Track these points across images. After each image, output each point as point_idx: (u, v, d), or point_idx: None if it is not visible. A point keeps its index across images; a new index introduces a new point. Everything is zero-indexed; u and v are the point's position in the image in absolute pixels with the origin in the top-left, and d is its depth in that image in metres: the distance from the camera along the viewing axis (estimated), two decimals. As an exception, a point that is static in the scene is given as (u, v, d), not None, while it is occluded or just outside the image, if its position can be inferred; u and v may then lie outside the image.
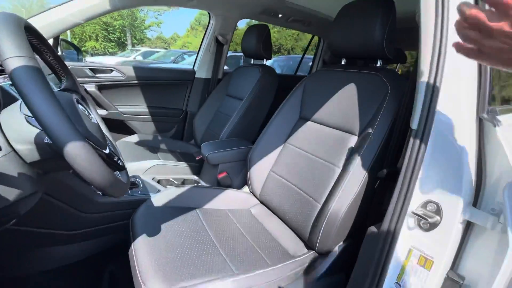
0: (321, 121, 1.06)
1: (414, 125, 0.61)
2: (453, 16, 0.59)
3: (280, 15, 1.88)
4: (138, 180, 1.16)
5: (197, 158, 1.42)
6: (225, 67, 2.08)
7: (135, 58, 9.07)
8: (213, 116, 1.82)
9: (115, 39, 17.40)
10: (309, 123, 1.11)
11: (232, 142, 1.38)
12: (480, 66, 0.58)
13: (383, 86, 0.89)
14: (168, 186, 1.26)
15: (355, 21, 0.93)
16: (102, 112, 1.70)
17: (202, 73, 1.97)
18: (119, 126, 1.81)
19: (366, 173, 0.80)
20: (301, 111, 1.17)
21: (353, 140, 0.93)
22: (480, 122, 0.58)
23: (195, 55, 2.03)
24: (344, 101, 0.99)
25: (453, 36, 0.59)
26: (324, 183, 0.94)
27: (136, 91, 1.82)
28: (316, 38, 2.53)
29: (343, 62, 1.10)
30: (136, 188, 1.10)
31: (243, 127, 1.53)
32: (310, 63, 2.80)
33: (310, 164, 1.02)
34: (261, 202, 1.18)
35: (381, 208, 0.76)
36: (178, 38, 28.88)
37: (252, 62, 1.77)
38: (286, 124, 1.19)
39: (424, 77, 0.60)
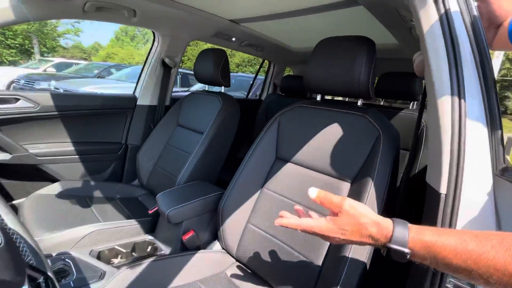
0: (303, 164, 0.95)
1: (442, 189, 0.54)
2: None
3: (233, 39, 1.76)
4: (67, 261, 0.82)
5: (150, 212, 1.13)
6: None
7: (45, 70, 7.62)
8: (163, 150, 1.54)
9: (16, 45, 14.41)
10: (289, 165, 0.99)
11: (196, 188, 1.15)
12: (488, 117, 0.56)
13: (372, 129, 0.84)
14: (114, 261, 0.94)
15: (338, 58, 0.87)
16: (3, 156, 1.23)
17: (146, 99, 1.67)
18: (31, 174, 1.35)
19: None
20: (277, 150, 1.04)
21: (345, 188, 0.84)
22: (495, 179, 0.55)
23: (126, 69, 1.72)
24: (328, 143, 0.91)
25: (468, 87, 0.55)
26: (319, 239, 0.82)
27: (55, 125, 1.40)
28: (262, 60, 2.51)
29: (318, 98, 1.04)
30: (67, 278, 0.76)
31: (205, 167, 1.31)
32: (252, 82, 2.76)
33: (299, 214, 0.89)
34: (238, 261, 0.99)
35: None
36: (100, 48, 26.00)
37: (207, 89, 1.59)
38: (261, 166, 1.04)
39: (447, 136, 0.55)
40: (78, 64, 8.70)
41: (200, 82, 1.54)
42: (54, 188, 1.27)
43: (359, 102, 0.94)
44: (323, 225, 0.49)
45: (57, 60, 9.31)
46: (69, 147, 1.43)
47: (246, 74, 9.42)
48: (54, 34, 15.21)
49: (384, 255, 0.45)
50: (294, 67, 2.68)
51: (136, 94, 1.67)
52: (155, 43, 1.58)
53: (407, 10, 0.95)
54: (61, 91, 4.16)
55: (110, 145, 1.59)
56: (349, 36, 0.88)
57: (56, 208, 1.12)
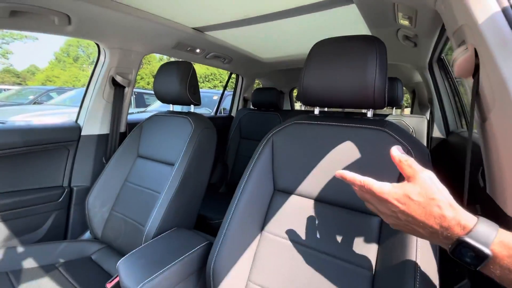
0: (312, 195, 0.75)
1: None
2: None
3: (198, 50, 1.54)
4: None
5: (108, 286, 0.81)
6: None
7: (-36, 100, 6.39)
8: (121, 189, 1.22)
9: None
10: (293, 198, 0.79)
11: (174, 241, 0.87)
12: None
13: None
14: None
15: (344, 62, 0.71)
16: None
17: (93, 128, 1.33)
18: None
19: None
20: (275, 180, 0.83)
21: (375, 224, 0.66)
22: None
23: (70, 92, 1.37)
24: (342, 166, 0.72)
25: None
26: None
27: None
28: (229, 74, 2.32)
29: (317, 112, 0.86)
30: None
31: (181, 209, 1.03)
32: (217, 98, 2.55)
33: (320, 266, 0.68)
34: None
35: None
36: (38, 71, 23.40)
37: (171, 109, 1.33)
38: (257, 202, 0.81)
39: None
40: (8, 90, 7.52)
41: (163, 101, 1.27)
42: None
43: (369, 113, 0.78)
44: (385, 186, 0.40)
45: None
46: (-18, 203, 1.03)
47: (205, 89, 9.16)
48: (-24, 58, 13.29)
49: (450, 253, 0.34)
50: (263, 79, 2.54)
51: (80, 122, 1.32)
52: (101, 58, 1.28)
53: (407, 3, 0.84)
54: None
55: (47, 192, 1.21)
56: (352, 36, 0.73)
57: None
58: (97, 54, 1.31)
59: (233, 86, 2.39)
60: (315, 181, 0.75)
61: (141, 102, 5.43)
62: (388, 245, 0.61)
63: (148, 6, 1.04)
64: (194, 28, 1.31)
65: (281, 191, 0.81)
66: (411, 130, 1.48)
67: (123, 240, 1.09)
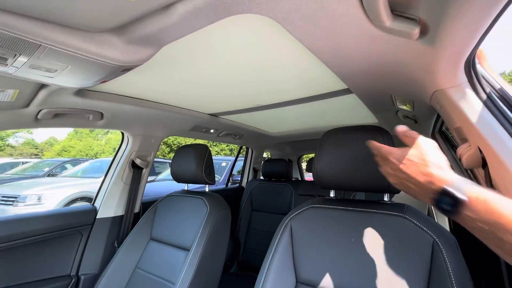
0: (340, 289, 0.70)
1: None
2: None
3: (212, 130, 1.66)
4: None
5: None
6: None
7: (-18, 175, 6.65)
8: (130, 279, 1.15)
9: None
10: (319, 293, 0.73)
11: None
12: None
13: (419, 234, 0.66)
14: None
15: (355, 150, 0.76)
16: None
17: (109, 210, 1.35)
18: None
19: None
20: (297, 271, 0.79)
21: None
22: None
23: (84, 163, 1.41)
24: (368, 258, 0.69)
25: None
26: None
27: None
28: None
29: (332, 194, 0.88)
30: None
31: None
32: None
33: None
34: None
35: None
36: (56, 142, 24.87)
37: (186, 188, 1.36)
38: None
39: None
40: (26, 162, 7.87)
41: (180, 181, 1.32)
42: None
43: (386, 197, 0.79)
44: (393, 149, 0.48)
45: (0, 160, 8.37)
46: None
47: (214, 156, 9.41)
48: (2, 134, 14.34)
49: (435, 206, 0.41)
50: (271, 149, 2.65)
51: (97, 204, 1.35)
52: (124, 144, 1.39)
53: (403, 97, 0.94)
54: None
55: (51, 283, 1.14)
56: (359, 126, 0.80)
57: None
58: (120, 138, 1.42)
59: (242, 155, 2.48)
60: (340, 272, 0.71)
61: (151, 170, 5.56)
62: None
63: (170, 100, 1.18)
64: (209, 114, 1.45)
65: (304, 284, 0.76)
66: (427, 205, 1.45)
67: None
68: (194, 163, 1.22)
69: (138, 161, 1.38)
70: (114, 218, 1.35)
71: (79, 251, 1.25)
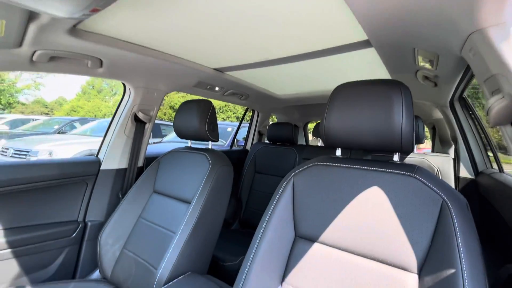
0: (338, 245, 0.70)
1: None
2: None
3: (217, 88, 1.60)
4: None
5: None
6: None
7: (-5, 129, 6.84)
8: (134, 227, 1.19)
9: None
10: (316, 246, 0.73)
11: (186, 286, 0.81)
12: None
13: (429, 195, 0.63)
14: None
15: (368, 106, 0.70)
16: None
17: (112, 162, 1.35)
18: None
19: None
20: (296, 226, 0.78)
21: (411, 282, 0.59)
22: None
23: (92, 123, 1.40)
24: (370, 215, 0.67)
25: None
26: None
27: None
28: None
29: (338, 153, 0.84)
30: None
31: (196, 251, 0.98)
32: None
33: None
34: None
35: None
36: (65, 102, 25.08)
37: (189, 145, 1.34)
38: (278, 250, 0.76)
39: None
40: (36, 119, 8.02)
41: (182, 138, 1.29)
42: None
43: (396, 157, 0.75)
44: None
45: (12, 116, 8.55)
46: (-2, 238, 1.03)
47: (220, 121, 9.38)
48: (12, 91, 14.43)
49: None
50: (277, 114, 2.58)
51: (100, 156, 1.35)
52: (126, 97, 1.34)
53: (428, 50, 0.85)
54: None
55: (61, 226, 1.19)
56: (375, 80, 0.73)
57: None
58: (122, 89, 1.37)
59: (248, 119, 2.43)
60: (341, 229, 0.70)
61: (157, 132, 5.61)
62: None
63: (173, 50, 1.10)
64: (214, 69, 1.37)
65: (303, 238, 0.76)
66: (435, 170, 1.41)
67: (133, 283, 1.04)
68: (197, 119, 1.18)
69: (140, 115, 1.35)
70: (118, 170, 1.36)
71: (85, 199, 1.28)
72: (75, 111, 19.94)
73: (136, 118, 1.37)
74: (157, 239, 1.07)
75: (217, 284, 0.85)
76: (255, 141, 2.36)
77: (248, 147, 2.37)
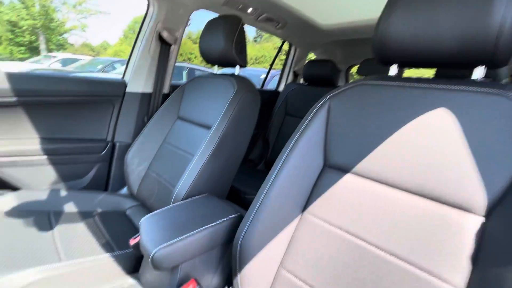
0: (377, 177, 0.58)
1: None
2: None
3: (250, 9, 1.39)
4: None
5: (131, 243, 0.77)
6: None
7: (49, 66, 7.40)
8: (158, 150, 1.19)
9: (26, 42, 14.35)
10: (349, 177, 0.62)
11: (200, 208, 0.79)
12: None
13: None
14: None
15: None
16: None
17: (138, 85, 1.31)
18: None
19: None
20: (327, 154, 0.67)
21: (471, 225, 0.46)
22: None
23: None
24: (429, 146, 0.52)
25: None
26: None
27: (15, 116, 1.06)
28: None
29: (395, 71, 0.65)
30: None
31: (214, 174, 0.94)
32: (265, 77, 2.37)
33: (376, 266, 0.52)
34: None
35: None
36: (108, 47, 26.02)
37: (215, 72, 1.22)
38: (302, 178, 0.67)
39: None
40: (82, 60, 8.48)
41: (208, 61, 1.17)
42: (7, 201, 0.93)
43: (479, 72, 0.55)
44: None
45: (62, 55, 9.11)
46: (35, 145, 1.09)
47: (252, 68, 8.99)
48: (61, 30, 15.16)
49: None
50: (317, 53, 2.29)
51: (126, 78, 1.31)
52: (150, 9, 1.22)
53: None
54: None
55: (91, 143, 1.24)
56: None
57: (2, 232, 0.77)
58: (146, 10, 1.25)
59: (282, 64, 2.20)
60: (384, 159, 0.57)
61: (192, 77, 5.56)
62: (494, 260, 0.41)
63: None
64: (247, -21, 1.16)
65: (333, 168, 0.65)
66: None
67: (155, 200, 1.06)
68: (223, 38, 1.03)
69: (165, 34, 1.24)
70: (143, 94, 1.32)
71: (112, 120, 1.29)
72: (118, 55, 20.70)
73: (160, 38, 1.26)
74: (178, 162, 1.05)
75: (232, 206, 0.81)
76: (289, 81, 2.16)
77: (281, 88, 2.19)
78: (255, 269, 0.63)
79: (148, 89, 1.33)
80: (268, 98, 2.05)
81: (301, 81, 2.05)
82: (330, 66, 1.73)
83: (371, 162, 0.58)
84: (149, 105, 1.33)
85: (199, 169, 0.90)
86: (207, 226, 0.68)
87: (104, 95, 1.23)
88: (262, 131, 2.00)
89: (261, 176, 1.74)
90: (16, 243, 0.76)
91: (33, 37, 13.96)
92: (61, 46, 16.14)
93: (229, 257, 0.73)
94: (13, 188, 1.05)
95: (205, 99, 1.11)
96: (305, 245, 0.62)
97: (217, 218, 0.72)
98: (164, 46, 1.29)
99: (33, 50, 14.74)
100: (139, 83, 1.31)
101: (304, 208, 0.66)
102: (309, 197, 0.66)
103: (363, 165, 0.60)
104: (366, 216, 0.56)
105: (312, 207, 0.65)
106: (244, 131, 1.01)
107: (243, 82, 1.05)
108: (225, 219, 0.72)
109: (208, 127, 1.02)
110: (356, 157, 0.61)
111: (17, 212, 0.90)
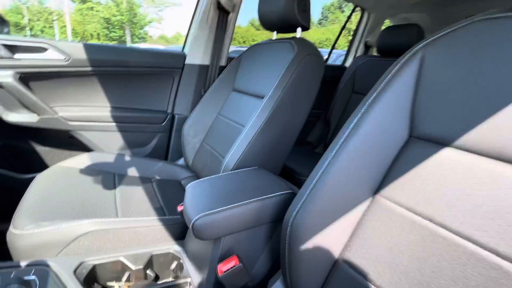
0: (500, 155, 0.39)
1: None
2: None
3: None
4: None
5: (179, 209, 0.75)
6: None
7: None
8: (213, 123, 1.16)
9: (117, 37, 16.77)
10: (447, 152, 0.44)
11: (249, 179, 0.71)
12: None
13: None
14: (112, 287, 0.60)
15: None
16: (29, 118, 1.04)
17: (196, 57, 1.30)
18: (63, 141, 1.16)
19: None
20: (415, 122, 0.49)
21: None
22: None
23: None
24: None
25: None
26: None
27: (90, 85, 1.16)
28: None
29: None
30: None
31: (266, 147, 0.85)
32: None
33: (478, 269, 0.35)
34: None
35: None
36: (181, 37, 28.38)
37: (274, 37, 1.11)
38: (377, 152, 0.51)
39: None
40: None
41: (267, 26, 1.06)
42: (81, 160, 1.03)
43: None
44: None
45: (143, 46, 10.33)
46: (107, 112, 1.18)
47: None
48: (142, 23, 17.08)
49: None
50: (395, 20, 1.93)
51: (185, 51, 1.31)
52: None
53: None
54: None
55: (153, 114, 1.29)
56: None
57: (68, 188, 0.85)
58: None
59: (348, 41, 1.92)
60: (508, 126, 0.37)
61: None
62: None
63: None
64: None
65: (423, 140, 0.48)
66: None
67: (207, 172, 1.04)
68: (284, -3, 0.90)
69: (223, 1, 1.17)
70: (201, 66, 1.30)
71: (172, 93, 1.32)
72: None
73: (219, 6, 1.21)
74: (230, 134, 1.00)
75: (284, 182, 0.71)
76: (358, 54, 1.89)
77: (348, 63, 1.94)
78: (307, 256, 0.52)
79: (206, 61, 1.31)
80: (331, 74, 1.83)
81: (374, 53, 1.76)
82: (416, 32, 1.41)
83: (486, 130, 0.39)
84: (206, 77, 1.31)
85: (249, 140, 0.82)
86: (255, 199, 0.60)
87: (165, 67, 1.26)
88: (323, 112, 1.81)
89: (319, 160, 1.58)
90: (84, 196, 0.82)
91: (121, 32, 16.17)
92: (143, 39, 18.30)
93: (277, 238, 0.64)
94: (88, 149, 1.17)
95: (261, 68, 1.01)
96: (376, 237, 0.48)
97: (267, 192, 0.63)
98: (222, 14, 1.23)
99: (122, 44, 17.14)
100: (197, 55, 1.29)
101: (377, 190, 0.51)
102: (385, 177, 0.51)
103: (471, 136, 0.41)
104: (470, 204, 0.39)
105: (389, 190, 0.49)
106: (302, 101, 0.88)
107: (304, 44, 0.91)
108: (276, 194, 0.63)
109: (262, 97, 0.92)
110: (461, 124, 0.43)
111: (89, 170, 0.99)
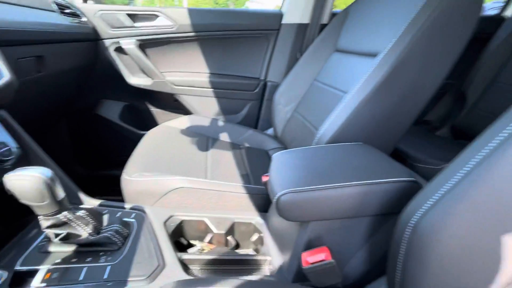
0: None
1: None
2: None
3: None
4: (127, 229, 0.54)
5: (263, 180, 0.69)
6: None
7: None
8: (308, 90, 1.02)
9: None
10: None
11: (354, 157, 0.56)
12: None
13: None
14: (193, 246, 0.60)
15: None
16: (145, 81, 1.18)
17: (294, 16, 1.15)
18: (168, 103, 1.28)
19: None
20: None
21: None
22: None
23: None
24: None
25: None
26: None
27: (192, 51, 1.21)
28: None
29: None
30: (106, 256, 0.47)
31: (373, 119, 0.66)
32: None
33: None
34: None
35: None
36: (279, 9, 28.02)
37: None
38: None
39: None
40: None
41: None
42: (183, 122, 1.11)
43: None
44: None
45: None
46: (205, 77, 1.22)
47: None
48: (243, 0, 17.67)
49: None
50: None
51: (283, 9, 1.18)
52: None
53: None
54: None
55: (247, 80, 1.26)
56: None
57: (169, 145, 0.92)
58: None
59: None
60: None
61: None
62: None
63: None
64: None
65: None
66: None
67: (298, 145, 0.94)
68: None
69: None
70: (299, 25, 1.15)
71: (266, 59, 1.24)
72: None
73: None
74: (328, 103, 0.84)
75: (403, 167, 0.52)
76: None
77: (509, 13, 1.35)
78: (446, 279, 0.36)
79: (305, 19, 1.14)
80: (477, 28, 1.32)
81: None
82: None
83: None
84: (304, 38, 1.16)
85: (352, 110, 0.65)
86: (359, 182, 0.45)
87: (260, 29, 1.18)
88: (456, 82, 1.36)
89: (442, 144, 1.21)
90: (180, 155, 0.87)
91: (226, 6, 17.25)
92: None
93: (383, 236, 0.49)
94: (187, 112, 1.27)
95: (377, 19, 0.78)
96: None
97: (376, 176, 0.47)
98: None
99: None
100: (296, 13, 1.14)
101: None
102: None
103: None
104: None
105: None
106: (440, 56, 0.62)
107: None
108: (392, 179, 0.46)
109: (374, 55, 0.71)
110: None
111: (188, 132, 1.06)
